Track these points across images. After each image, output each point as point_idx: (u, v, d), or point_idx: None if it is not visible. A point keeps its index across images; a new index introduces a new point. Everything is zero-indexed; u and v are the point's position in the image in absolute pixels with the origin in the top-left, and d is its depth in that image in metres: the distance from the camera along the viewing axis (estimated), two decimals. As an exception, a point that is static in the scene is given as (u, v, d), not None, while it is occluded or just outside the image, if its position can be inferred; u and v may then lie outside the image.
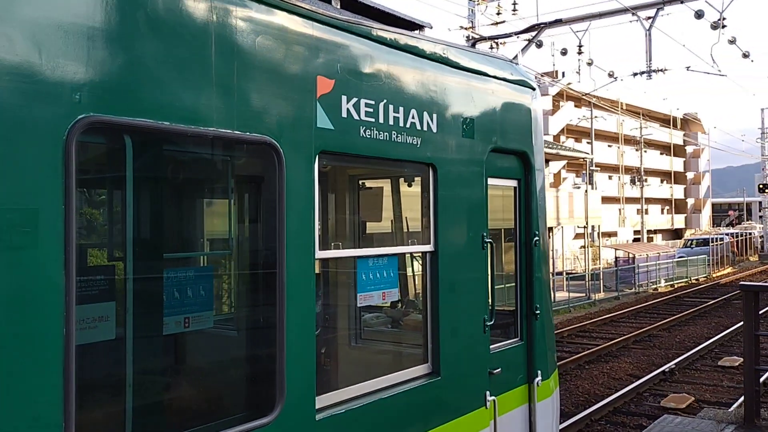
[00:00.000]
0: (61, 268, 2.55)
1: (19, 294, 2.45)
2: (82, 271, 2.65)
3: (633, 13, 17.70)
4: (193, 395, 3.99)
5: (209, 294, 3.92)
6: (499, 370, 5.20)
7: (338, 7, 4.35)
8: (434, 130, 4.58)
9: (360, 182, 5.52)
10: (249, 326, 4.21)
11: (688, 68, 25.09)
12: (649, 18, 18.05)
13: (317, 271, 3.77)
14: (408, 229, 5.46)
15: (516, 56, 18.74)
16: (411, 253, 5.16)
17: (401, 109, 4.30)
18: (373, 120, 4.07)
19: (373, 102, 4.08)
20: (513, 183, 5.72)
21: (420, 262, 4.89)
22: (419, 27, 5.15)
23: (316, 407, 3.67)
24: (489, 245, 5.14)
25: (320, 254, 3.77)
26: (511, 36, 20.07)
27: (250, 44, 3.37)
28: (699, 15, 17.20)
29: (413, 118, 4.39)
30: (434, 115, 4.59)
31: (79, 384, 2.64)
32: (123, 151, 3.40)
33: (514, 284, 5.79)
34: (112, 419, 3.43)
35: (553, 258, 36.02)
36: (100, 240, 3.89)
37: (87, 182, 3.59)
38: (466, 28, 26.52)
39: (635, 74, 21.70)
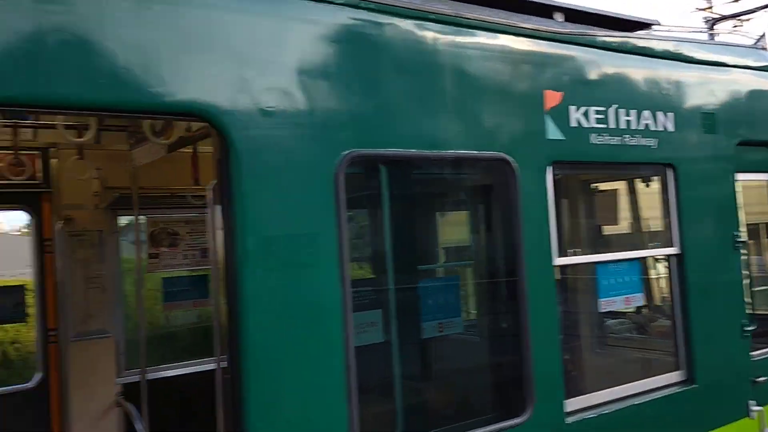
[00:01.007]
0: (339, 281, 3.00)
1: (309, 304, 2.94)
2: (354, 283, 3.10)
3: None
4: (450, 394, 4.31)
5: (458, 301, 4.24)
6: (765, 379, 4.88)
7: (562, 20, 4.46)
8: (671, 129, 4.47)
9: (595, 186, 5.51)
10: (495, 331, 4.45)
11: None
12: None
13: (558, 277, 3.90)
14: (649, 231, 5.33)
15: (764, 33, 16.91)
16: (654, 257, 5.04)
17: (633, 111, 4.27)
18: (603, 126, 4.11)
19: (602, 108, 4.12)
20: None
21: (664, 265, 4.76)
22: (646, 26, 5.06)
23: (566, 410, 3.79)
24: (743, 245, 4.86)
25: (558, 261, 3.90)
26: (757, 11, 18.15)
27: (480, 70, 3.64)
28: None
29: (646, 119, 4.34)
30: (669, 114, 4.48)
31: (359, 381, 3.04)
32: (379, 178, 3.86)
33: None
34: (385, 414, 3.86)
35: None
36: (366, 256, 4.41)
37: (352, 207, 4.12)
38: (703, 9, 24.50)
39: None
